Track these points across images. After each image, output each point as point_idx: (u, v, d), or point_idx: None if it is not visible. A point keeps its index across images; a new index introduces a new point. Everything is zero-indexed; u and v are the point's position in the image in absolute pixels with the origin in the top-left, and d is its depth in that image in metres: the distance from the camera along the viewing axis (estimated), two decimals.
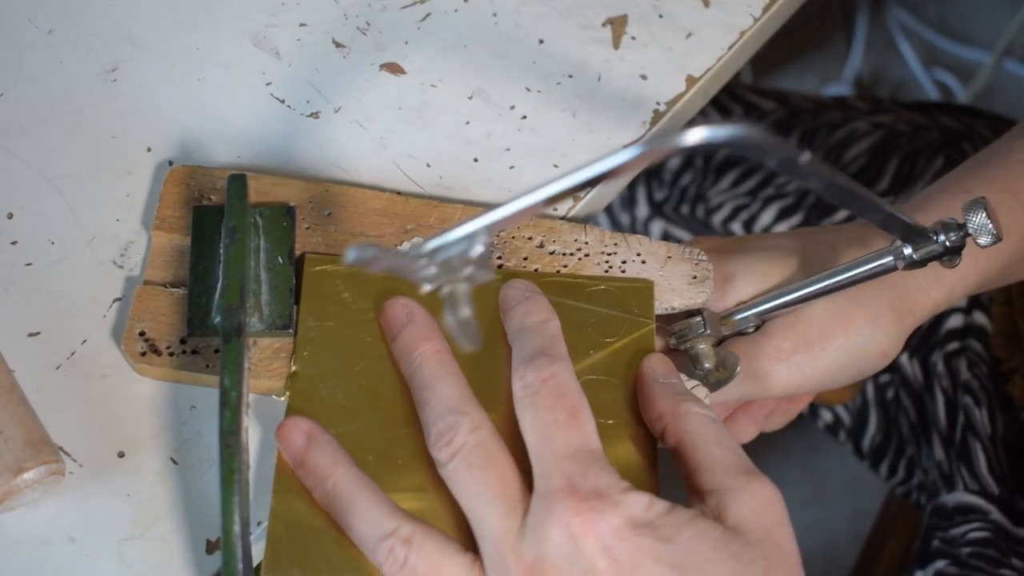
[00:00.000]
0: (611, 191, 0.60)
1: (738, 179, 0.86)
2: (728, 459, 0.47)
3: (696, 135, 0.41)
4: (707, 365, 0.56)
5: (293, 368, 0.51)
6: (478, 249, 0.44)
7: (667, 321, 0.57)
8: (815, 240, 0.58)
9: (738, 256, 0.58)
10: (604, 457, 0.46)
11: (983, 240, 0.51)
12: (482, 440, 0.47)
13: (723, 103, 0.88)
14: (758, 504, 0.45)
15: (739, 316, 0.56)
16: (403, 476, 0.49)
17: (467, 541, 0.47)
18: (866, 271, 0.54)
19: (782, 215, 0.85)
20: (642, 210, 0.89)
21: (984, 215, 0.51)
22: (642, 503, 0.44)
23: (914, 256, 0.52)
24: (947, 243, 0.51)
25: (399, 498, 0.48)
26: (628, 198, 0.89)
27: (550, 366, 0.47)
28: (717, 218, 0.87)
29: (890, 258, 0.53)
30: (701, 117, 0.87)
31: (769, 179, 0.86)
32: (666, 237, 0.89)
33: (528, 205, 0.43)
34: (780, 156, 0.42)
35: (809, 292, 0.55)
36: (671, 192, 0.88)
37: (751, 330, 0.57)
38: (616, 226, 0.92)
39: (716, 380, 0.56)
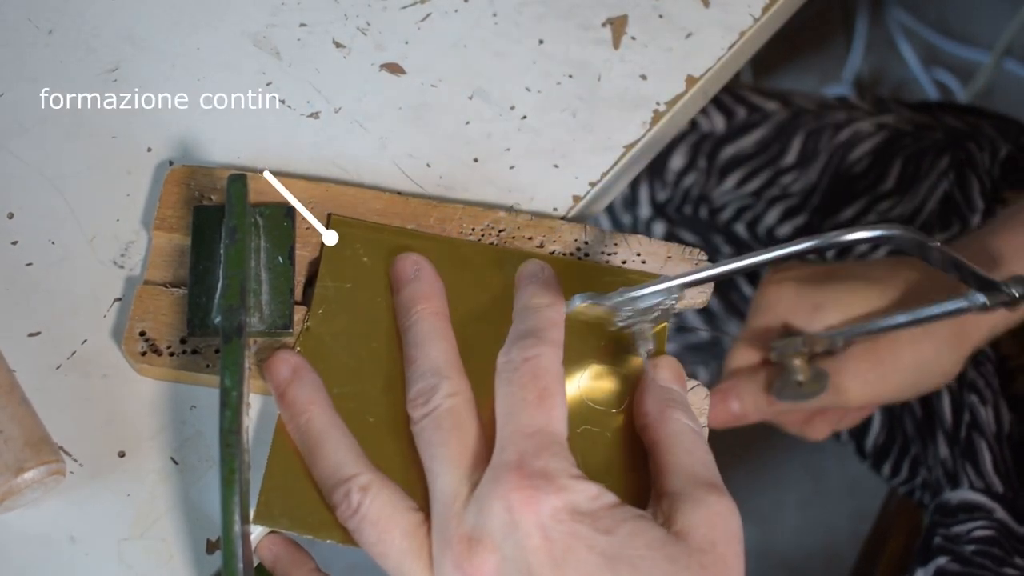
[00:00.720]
0: (612, 192, 0.61)
1: (742, 180, 0.86)
2: (694, 468, 0.47)
3: (858, 234, 0.47)
4: (800, 378, 0.63)
5: (306, 325, 0.52)
6: (672, 302, 0.49)
7: (762, 336, 0.66)
8: (897, 277, 0.65)
9: (827, 286, 0.65)
10: (564, 443, 0.46)
11: None
12: (456, 406, 0.48)
13: (726, 104, 0.88)
14: (710, 516, 0.45)
15: (832, 338, 0.63)
16: (400, 440, 0.49)
17: (425, 504, 0.48)
18: (943, 313, 0.60)
19: (786, 215, 0.85)
20: (644, 210, 0.89)
21: None
22: (588, 493, 0.45)
23: (987, 304, 0.58)
24: (1016, 295, 0.57)
25: (392, 461, 0.49)
26: (630, 198, 0.89)
27: (535, 347, 0.48)
28: (721, 219, 0.87)
29: (965, 304, 0.59)
30: (703, 117, 0.87)
31: (773, 179, 0.86)
32: (669, 238, 0.89)
33: (720, 272, 0.49)
34: (921, 246, 0.50)
35: (893, 325, 0.62)
36: (674, 192, 0.88)
37: (839, 349, 0.64)
38: (618, 226, 0.91)
39: (809, 392, 0.64)
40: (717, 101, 0.87)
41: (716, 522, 0.45)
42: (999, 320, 0.66)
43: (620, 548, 0.43)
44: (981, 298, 0.58)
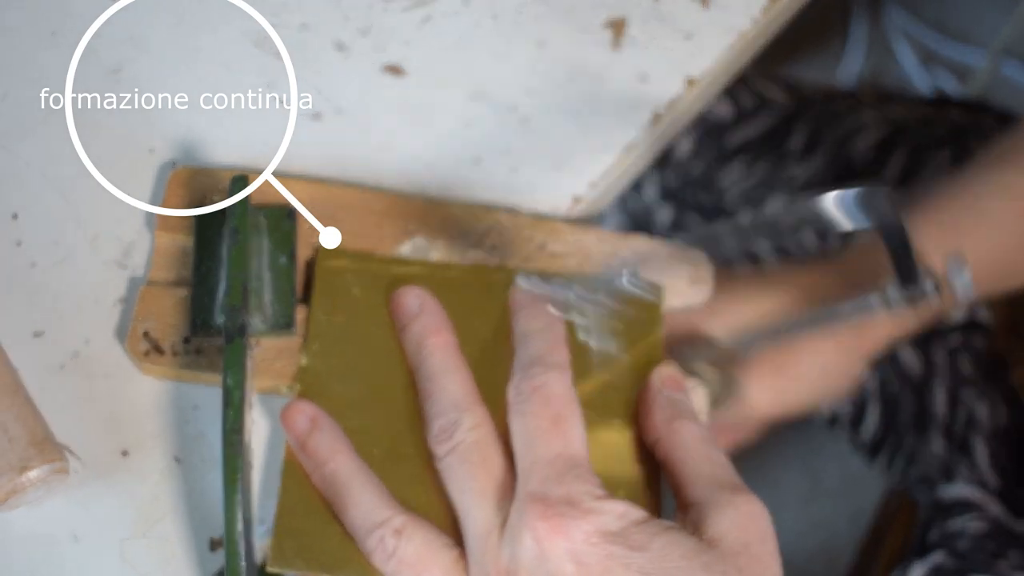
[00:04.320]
0: (613, 192, 0.61)
1: (748, 166, 0.86)
2: (715, 474, 0.47)
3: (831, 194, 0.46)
4: (704, 381, 0.59)
5: (303, 362, 0.52)
6: (622, 280, 0.49)
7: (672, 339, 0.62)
8: (792, 281, 0.64)
9: (722, 289, 0.62)
10: (586, 464, 0.46)
11: (963, 286, 0.55)
12: (480, 438, 0.48)
13: (733, 91, 0.88)
14: (740, 518, 0.45)
15: (737, 343, 0.60)
16: (407, 471, 0.49)
17: (458, 537, 0.47)
18: (851, 312, 0.57)
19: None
20: (651, 194, 0.90)
21: (968, 275, 0.55)
22: (615, 511, 0.44)
23: (897, 301, 0.55)
24: (927, 291, 0.55)
25: (402, 493, 0.48)
26: (637, 183, 0.90)
27: (543, 374, 0.48)
28: (726, 205, 0.87)
29: (876, 300, 0.56)
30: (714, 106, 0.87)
31: (778, 166, 0.86)
32: (676, 222, 0.89)
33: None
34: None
35: (801, 327, 0.60)
36: (681, 177, 0.88)
37: (744, 356, 0.61)
38: (625, 210, 0.92)
39: (715, 400, 0.60)
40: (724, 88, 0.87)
41: (746, 523, 0.45)
42: (894, 328, 0.65)
43: (657, 563, 0.43)
44: (895, 294, 0.55)
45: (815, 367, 0.64)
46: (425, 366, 0.50)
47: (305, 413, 0.49)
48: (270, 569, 0.48)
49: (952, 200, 0.65)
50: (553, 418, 0.47)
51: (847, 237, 0.80)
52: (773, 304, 0.62)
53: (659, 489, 0.49)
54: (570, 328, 0.52)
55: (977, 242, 0.63)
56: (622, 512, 0.44)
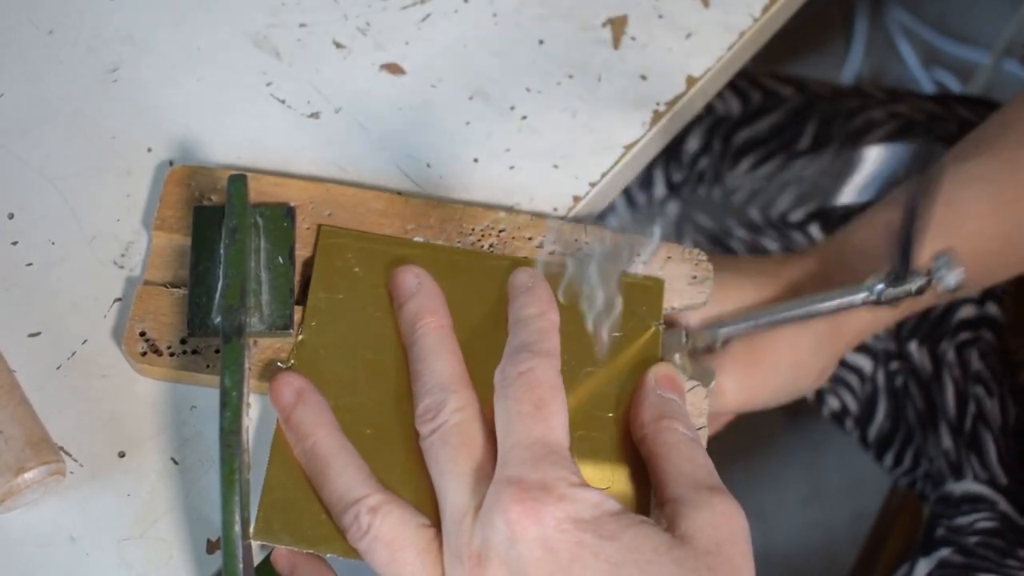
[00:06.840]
0: (612, 192, 0.61)
1: (756, 163, 0.86)
2: (695, 474, 0.47)
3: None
4: (683, 376, 0.56)
5: (300, 337, 0.52)
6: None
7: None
8: (774, 272, 0.62)
9: None
10: (564, 452, 0.46)
11: (948, 288, 0.55)
12: (464, 420, 0.48)
13: (742, 88, 0.88)
14: (714, 517, 0.45)
15: (715, 332, 0.58)
16: (398, 451, 0.49)
17: (439, 518, 0.47)
18: (834, 306, 0.56)
19: (799, 201, 0.85)
20: (659, 190, 0.89)
21: (960, 272, 0.54)
22: (590, 500, 0.44)
23: (884, 296, 0.55)
24: (914, 289, 0.54)
25: (391, 472, 0.49)
26: (645, 178, 0.89)
27: (529, 360, 0.48)
28: (734, 201, 0.87)
29: (862, 295, 0.55)
30: (718, 100, 0.87)
31: (787, 164, 0.86)
32: (683, 218, 0.89)
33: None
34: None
35: (780, 319, 0.57)
36: (689, 174, 0.88)
37: (719, 347, 0.59)
38: (632, 206, 0.91)
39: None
40: (733, 85, 0.87)
41: (720, 523, 0.45)
42: (871, 322, 0.63)
43: (626, 554, 0.43)
44: (879, 287, 0.55)
45: (790, 361, 0.62)
46: (417, 346, 0.51)
47: (292, 385, 0.50)
48: (254, 541, 0.48)
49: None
50: (536, 403, 0.47)
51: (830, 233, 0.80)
52: (751, 295, 0.61)
53: (648, 486, 0.49)
54: (578, 317, 0.51)
55: (958, 238, 0.62)
56: (596, 501, 0.44)
